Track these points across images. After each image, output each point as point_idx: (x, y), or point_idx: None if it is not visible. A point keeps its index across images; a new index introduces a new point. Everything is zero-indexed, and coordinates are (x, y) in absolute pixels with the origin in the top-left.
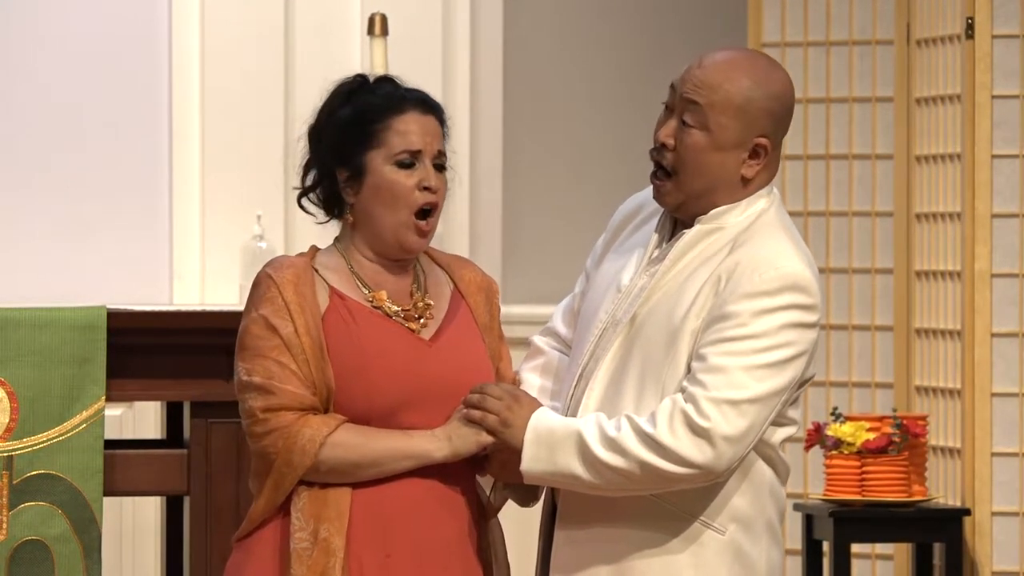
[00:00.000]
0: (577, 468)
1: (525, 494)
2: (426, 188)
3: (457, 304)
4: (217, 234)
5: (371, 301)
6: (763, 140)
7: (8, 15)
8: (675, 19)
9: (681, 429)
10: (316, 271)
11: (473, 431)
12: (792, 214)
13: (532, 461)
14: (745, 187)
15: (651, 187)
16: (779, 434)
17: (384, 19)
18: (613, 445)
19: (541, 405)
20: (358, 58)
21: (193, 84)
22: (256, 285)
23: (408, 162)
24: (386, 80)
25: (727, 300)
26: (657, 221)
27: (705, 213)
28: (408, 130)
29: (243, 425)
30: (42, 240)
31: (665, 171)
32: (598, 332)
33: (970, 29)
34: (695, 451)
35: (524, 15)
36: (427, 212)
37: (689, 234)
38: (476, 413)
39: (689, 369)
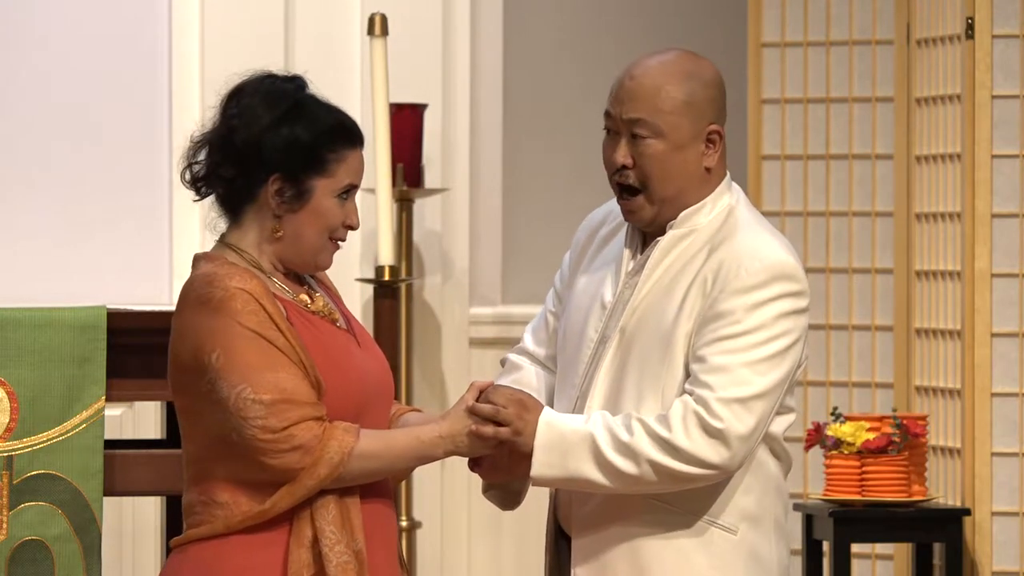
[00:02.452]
0: (590, 473)
1: (506, 498)
2: (349, 225)
3: (333, 298)
4: (217, 234)
5: (305, 305)
6: (714, 127)
7: (8, 15)
8: (675, 19)
9: (696, 431)
10: None
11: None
12: (792, 214)
13: (543, 467)
14: (709, 177)
15: (610, 202)
16: (780, 423)
17: (384, 19)
18: (626, 450)
19: (543, 406)
20: (358, 58)
21: (193, 84)
22: (224, 300)
23: (345, 195)
24: (302, 82)
25: (718, 299)
26: (625, 234)
27: (675, 217)
28: (354, 167)
29: (247, 442)
30: (42, 240)
31: (632, 189)
32: (590, 351)
33: (970, 29)
34: (711, 452)
35: (524, 15)
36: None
37: (663, 241)
38: (488, 430)
39: (687, 372)
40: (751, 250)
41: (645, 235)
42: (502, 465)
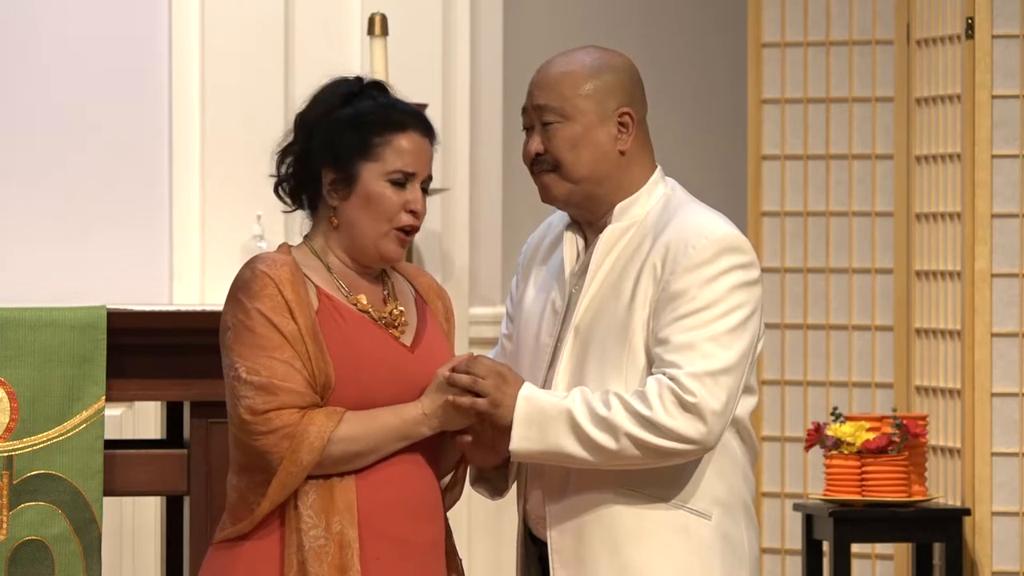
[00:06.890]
0: (570, 446)
1: (493, 490)
2: (412, 211)
3: (423, 310)
4: (217, 234)
5: (355, 304)
6: (625, 110)
7: (8, 15)
8: (675, 20)
9: (673, 408)
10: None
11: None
12: (792, 214)
13: (522, 440)
14: (627, 162)
15: (548, 218)
16: (744, 406)
17: (384, 19)
18: (605, 424)
19: (524, 380)
20: (358, 58)
21: (193, 84)
22: (248, 281)
23: (400, 181)
24: (380, 86)
25: (670, 280)
26: (567, 238)
27: (597, 204)
28: (406, 150)
29: (235, 420)
30: (42, 240)
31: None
32: (547, 355)
33: (970, 29)
34: (689, 428)
35: (524, 15)
36: (408, 230)
37: (604, 236)
38: (466, 400)
39: (648, 359)
40: (695, 228)
41: (586, 237)
42: (486, 440)
